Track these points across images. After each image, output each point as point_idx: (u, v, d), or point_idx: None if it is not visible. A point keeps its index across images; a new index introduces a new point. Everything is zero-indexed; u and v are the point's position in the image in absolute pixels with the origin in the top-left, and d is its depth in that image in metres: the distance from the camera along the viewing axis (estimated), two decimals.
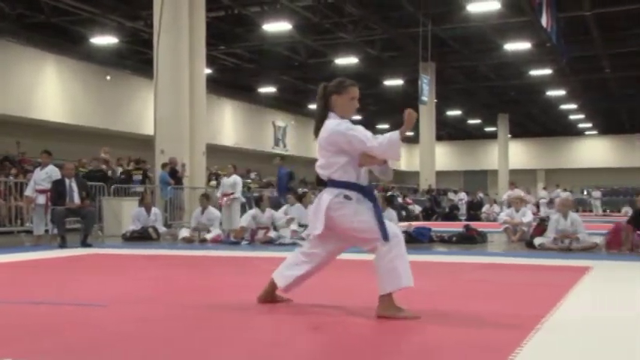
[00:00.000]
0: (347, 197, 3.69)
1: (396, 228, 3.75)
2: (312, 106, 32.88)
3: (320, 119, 3.83)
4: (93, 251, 8.67)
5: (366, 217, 3.66)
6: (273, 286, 4.00)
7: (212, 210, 11.29)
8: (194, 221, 11.07)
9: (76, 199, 9.48)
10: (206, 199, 11.49)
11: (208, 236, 10.72)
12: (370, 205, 3.71)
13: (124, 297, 4.52)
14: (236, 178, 12.94)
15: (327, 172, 3.77)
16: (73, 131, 19.84)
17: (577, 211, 28.44)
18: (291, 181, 12.79)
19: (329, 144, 3.71)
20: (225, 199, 12.17)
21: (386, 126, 36.90)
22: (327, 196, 3.74)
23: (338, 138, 3.66)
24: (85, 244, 9.18)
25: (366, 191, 3.76)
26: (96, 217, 10.90)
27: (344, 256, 4.18)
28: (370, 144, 3.60)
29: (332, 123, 3.73)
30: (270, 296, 4.03)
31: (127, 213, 12.16)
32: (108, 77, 20.84)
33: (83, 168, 14.75)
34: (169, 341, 3.10)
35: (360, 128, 3.69)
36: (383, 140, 3.58)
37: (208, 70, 17.71)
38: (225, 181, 13.02)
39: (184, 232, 11.00)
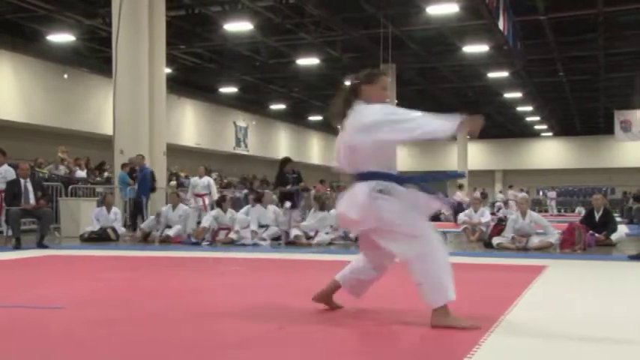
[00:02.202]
0: (384, 190, 3.42)
1: (435, 230, 3.50)
2: (274, 107, 33.04)
3: (344, 109, 3.57)
4: (49, 252, 8.50)
5: (405, 216, 3.39)
6: (333, 288, 3.79)
7: (183, 207, 11.26)
8: (163, 218, 10.97)
9: (32, 200, 9.29)
10: (177, 196, 11.56)
11: (171, 232, 10.68)
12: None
13: (82, 299, 4.45)
14: (209, 180, 13.11)
15: (359, 164, 3.49)
16: (29, 130, 19.39)
17: (533, 210, 29.04)
18: (155, 181, 12.61)
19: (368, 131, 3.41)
20: (205, 199, 12.38)
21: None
22: (361, 188, 3.44)
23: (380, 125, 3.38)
24: (41, 245, 9.00)
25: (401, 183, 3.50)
26: (52, 218, 10.70)
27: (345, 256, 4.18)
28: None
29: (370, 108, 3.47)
30: (327, 298, 3.82)
31: (84, 214, 11.97)
32: (65, 75, 20.42)
33: (39, 168, 14.48)
34: (127, 344, 3.06)
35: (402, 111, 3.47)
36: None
37: (168, 70, 17.52)
38: (197, 181, 13.04)
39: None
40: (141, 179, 12.31)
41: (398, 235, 3.37)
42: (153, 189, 12.69)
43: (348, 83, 3.71)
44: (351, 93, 3.60)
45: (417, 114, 3.40)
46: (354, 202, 3.44)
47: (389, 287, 4.17)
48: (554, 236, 9.02)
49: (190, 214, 11.27)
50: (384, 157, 3.49)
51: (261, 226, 10.57)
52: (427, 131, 3.32)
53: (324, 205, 11.39)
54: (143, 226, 11.23)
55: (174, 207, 11.09)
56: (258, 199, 11.10)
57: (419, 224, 3.42)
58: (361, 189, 3.44)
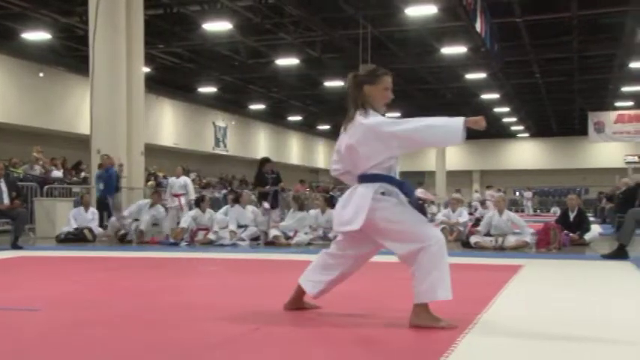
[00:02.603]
0: (386, 193, 3.45)
1: (437, 231, 3.50)
2: (253, 107, 32.87)
3: (352, 113, 3.54)
4: (24, 254, 8.39)
5: (408, 217, 3.44)
6: (300, 292, 3.77)
7: (160, 208, 11.23)
8: (145, 215, 10.91)
9: (6, 200, 9.15)
10: (158, 195, 11.60)
11: (142, 226, 10.67)
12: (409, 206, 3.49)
13: (57, 301, 4.39)
14: (186, 180, 13.12)
15: (361, 167, 3.50)
16: (3, 130, 19.11)
17: (510, 210, 29.32)
18: (119, 180, 12.66)
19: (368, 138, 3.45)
20: (182, 199, 12.35)
21: (326, 127, 37.12)
22: (365, 190, 3.44)
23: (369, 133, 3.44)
24: (15, 246, 8.88)
25: (403, 187, 3.53)
26: (27, 218, 10.55)
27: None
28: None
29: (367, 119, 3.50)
30: (298, 303, 3.79)
31: (60, 214, 11.84)
32: (41, 74, 20.15)
33: (14, 168, 14.29)
34: (103, 345, 3.03)
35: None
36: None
37: (147, 69, 17.36)
38: (174, 181, 13.01)
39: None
40: (106, 179, 12.23)
41: (403, 235, 3.38)
42: (117, 189, 12.68)
43: (351, 80, 3.62)
44: (355, 97, 3.55)
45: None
46: (356, 204, 3.44)
47: (365, 288, 4.18)
48: (528, 235, 9.12)
49: (164, 215, 11.22)
50: (386, 160, 3.48)
51: (240, 226, 10.53)
52: (432, 124, 3.46)
53: (303, 205, 11.39)
54: (109, 230, 11.21)
55: (152, 204, 11.04)
56: (237, 200, 11.06)
57: (424, 224, 3.47)
58: (364, 191, 3.45)
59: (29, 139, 18.03)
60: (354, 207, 3.44)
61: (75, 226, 11.05)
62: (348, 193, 3.57)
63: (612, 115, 28.21)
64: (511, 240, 9.06)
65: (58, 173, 15.66)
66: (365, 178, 3.49)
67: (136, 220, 10.88)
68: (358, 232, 3.44)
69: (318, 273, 3.70)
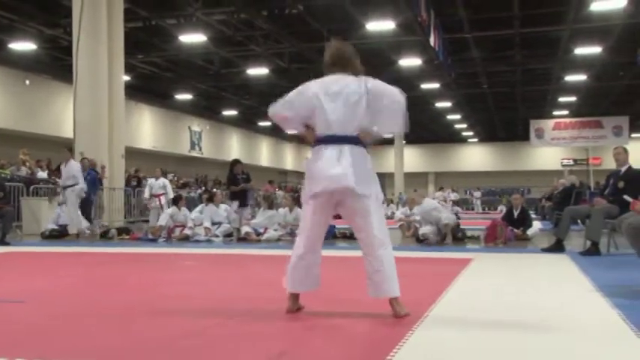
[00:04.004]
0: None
1: None
2: (226, 113, 32.68)
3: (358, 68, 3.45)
4: (11, 249, 8.20)
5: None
6: (294, 297, 3.43)
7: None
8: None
9: None
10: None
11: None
12: None
13: (43, 293, 4.31)
14: (165, 181, 13.06)
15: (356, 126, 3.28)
16: None
17: (463, 209, 29.75)
18: (101, 182, 12.62)
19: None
20: (162, 199, 12.25)
21: (293, 131, 36.98)
22: (367, 157, 3.25)
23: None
24: (3, 242, 8.68)
25: None
26: (14, 216, 10.32)
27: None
28: None
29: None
30: (297, 305, 3.42)
31: (45, 213, 11.61)
32: (27, 82, 19.73)
33: (1, 169, 13.97)
34: (89, 337, 2.98)
35: None
36: None
37: (127, 77, 17.13)
38: (153, 183, 12.89)
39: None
40: (90, 181, 12.00)
41: (382, 222, 3.31)
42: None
43: (348, 47, 3.52)
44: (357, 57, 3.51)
45: None
46: (366, 170, 3.24)
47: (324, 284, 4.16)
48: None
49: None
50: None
51: (214, 223, 10.46)
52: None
53: (272, 203, 11.37)
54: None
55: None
56: (211, 199, 10.99)
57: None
58: (363, 153, 3.27)
59: (16, 142, 17.64)
60: (364, 172, 3.22)
61: (60, 222, 10.86)
62: (349, 152, 3.22)
63: (550, 122, 28.81)
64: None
65: (43, 174, 15.37)
66: (356, 141, 3.27)
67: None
68: (332, 203, 3.24)
69: (299, 270, 3.38)
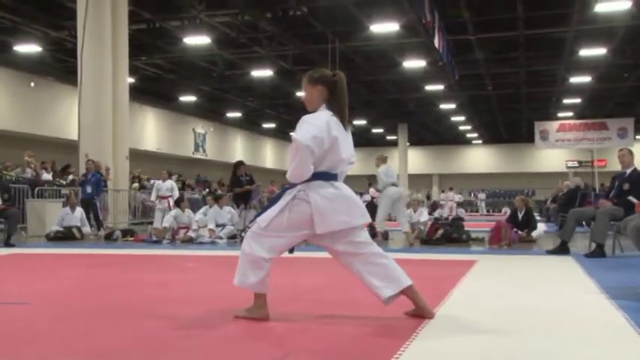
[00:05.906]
0: None
1: None
2: (230, 115, 32.72)
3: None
4: (16, 251, 8.23)
5: None
6: (260, 299, 3.34)
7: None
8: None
9: None
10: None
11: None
12: None
13: (49, 295, 4.31)
14: (172, 183, 13.10)
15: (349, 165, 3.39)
16: None
17: (467, 210, 29.69)
18: (106, 184, 12.64)
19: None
20: (170, 200, 12.31)
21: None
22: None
23: None
24: (8, 244, 8.71)
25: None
26: (19, 218, 10.36)
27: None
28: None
29: None
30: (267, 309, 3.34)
31: (50, 214, 11.64)
32: (32, 84, 19.81)
33: (6, 171, 14.03)
34: (91, 338, 2.98)
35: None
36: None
37: (131, 79, 17.17)
38: (161, 185, 12.93)
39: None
40: (95, 183, 12.02)
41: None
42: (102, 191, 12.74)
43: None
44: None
45: None
46: (359, 202, 3.37)
47: (318, 288, 4.17)
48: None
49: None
50: None
51: (218, 225, 10.48)
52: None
53: None
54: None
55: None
56: (216, 201, 11.01)
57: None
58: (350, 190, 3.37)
59: (21, 144, 17.70)
60: (360, 204, 3.37)
61: (64, 224, 10.90)
62: (347, 189, 3.34)
63: (555, 124, 28.75)
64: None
65: (47, 176, 15.41)
66: (338, 177, 3.36)
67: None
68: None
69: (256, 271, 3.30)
